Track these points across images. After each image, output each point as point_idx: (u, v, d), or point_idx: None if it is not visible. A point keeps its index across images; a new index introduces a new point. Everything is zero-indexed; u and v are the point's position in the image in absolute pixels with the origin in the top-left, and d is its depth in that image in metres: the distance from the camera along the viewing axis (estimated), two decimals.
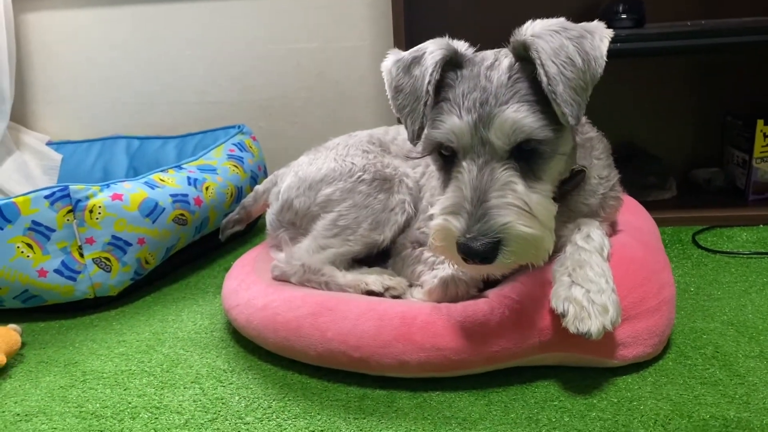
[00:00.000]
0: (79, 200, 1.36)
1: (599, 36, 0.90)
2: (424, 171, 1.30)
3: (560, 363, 1.02)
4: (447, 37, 0.97)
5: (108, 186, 1.42)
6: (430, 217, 0.93)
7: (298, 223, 1.32)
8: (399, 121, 1.02)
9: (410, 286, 1.18)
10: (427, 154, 0.99)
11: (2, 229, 1.33)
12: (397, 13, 1.77)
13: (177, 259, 1.60)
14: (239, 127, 1.99)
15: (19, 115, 2.31)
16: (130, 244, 1.41)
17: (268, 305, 1.13)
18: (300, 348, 1.06)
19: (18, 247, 1.34)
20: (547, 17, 0.92)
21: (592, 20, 0.93)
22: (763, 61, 1.97)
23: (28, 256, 1.35)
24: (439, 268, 1.12)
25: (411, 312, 1.02)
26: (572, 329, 0.91)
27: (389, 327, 1.01)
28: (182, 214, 1.52)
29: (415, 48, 0.97)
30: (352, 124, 2.08)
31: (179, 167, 1.63)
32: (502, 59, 0.92)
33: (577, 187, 1.06)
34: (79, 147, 2.23)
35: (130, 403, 1.02)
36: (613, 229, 1.17)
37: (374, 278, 1.18)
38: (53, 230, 1.35)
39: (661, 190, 1.93)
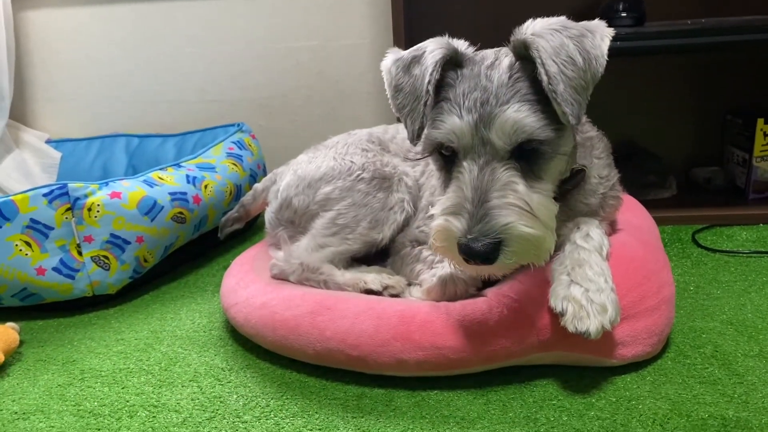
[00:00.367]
0: (77, 198, 1.36)
1: (600, 35, 0.89)
2: (424, 170, 1.29)
3: (559, 362, 1.01)
4: (447, 35, 0.97)
5: (107, 184, 1.42)
6: (431, 218, 0.93)
7: (296, 222, 1.32)
8: (399, 120, 1.02)
9: (409, 284, 1.18)
10: (427, 155, 0.98)
11: (1, 227, 1.33)
12: (397, 12, 1.77)
13: (176, 258, 1.60)
14: (238, 125, 1.98)
15: (19, 113, 2.31)
16: (128, 243, 1.41)
17: (267, 304, 1.13)
18: (298, 346, 1.06)
19: (16, 245, 1.34)
20: (548, 16, 0.91)
21: (593, 19, 0.93)
22: (764, 60, 1.96)
23: (26, 255, 1.34)
24: (438, 266, 1.11)
25: (410, 311, 1.02)
26: (571, 328, 0.91)
27: (388, 326, 1.01)
28: (181, 213, 1.52)
29: (414, 47, 0.96)
30: (352, 123, 2.08)
31: (178, 165, 1.63)
32: (503, 58, 0.92)
33: (577, 187, 1.06)
34: (79, 145, 2.23)
35: (128, 401, 1.02)
36: (612, 228, 1.17)
37: (373, 277, 1.17)
38: (52, 228, 1.35)
39: (661, 189, 1.93)
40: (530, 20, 0.91)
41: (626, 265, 1.04)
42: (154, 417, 0.97)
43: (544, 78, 0.84)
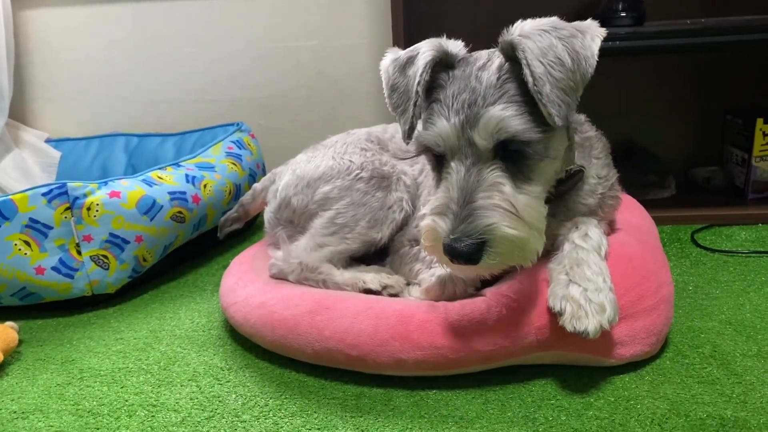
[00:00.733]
0: (76, 198, 1.36)
1: (591, 35, 0.89)
2: (422, 168, 1.30)
3: (557, 362, 1.01)
4: (444, 36, 0.97)
5: (106, 183, 1.42)
6: (422, 217, 0.94)
7: (295, 221, 1.32)
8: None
9: (408, 284, 1.18)
10: (418, 154, 0.99)
11: (0, 226, 1.33)
12: (397, 11, 1.77)
13: (175, 257, 1.60)
14: (238, 124, 1.98)
15: (18, 113, 2.31)
16: (127, 242, 1.41)
17: (266, 303, 1.13)
18: (297, 346, 1.06)
19: (15, 244, 1.34)
20: (548, 16, 0.91)
21: (593, 18, 0.93)
22: (763, 60, 1.96)
23: (25, 254, 1.34)
24: (437, 266, 1.11)
25: (408, 310, 1.02)
26: (569, 328, 0.91)
27: (386, 325, 1.01)
28: (180, 212, 1.52)
29: (411, 47, 0.97)
30: (352, 122, 2.08)
31: (177, 165, 1.63)
32: (495, 59, 0.92)
33: (575, 187, 1.06)
34: (78, 144, 2.23)
35: (126, 400, 1.02)
36: (611, 228, 1.17)
37: (372, 276, 1.17)
38: (51, 228, 1.35)
39: (660, 189, 1.93)
40: (520, 21, 0.91)
41: (625, 264, 1.04)
42: (152, 416, 0.97)
43: (529, 79, 0.84)
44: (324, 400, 0.99)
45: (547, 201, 1.01)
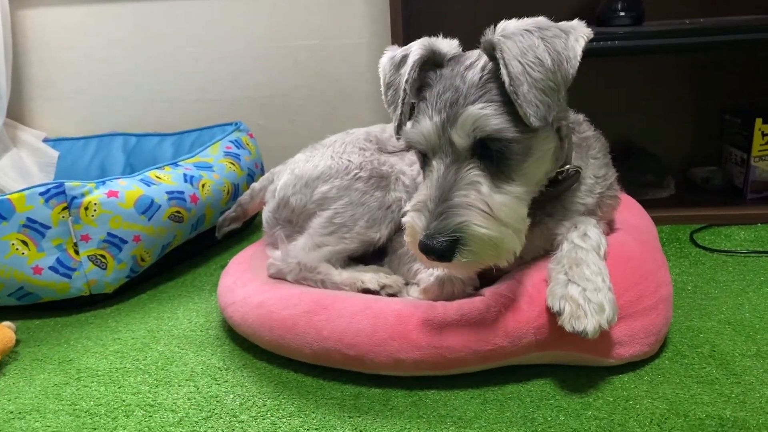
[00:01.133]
0: (74, 197, 1.35)
1: (575, 36, 0.89)
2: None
3: (556, 362, 1.01)
4: (441, 35, 0.98)
5: (104, 183, 1.41)
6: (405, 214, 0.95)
7: (294, 221, 1.32)
8: None
9: (406, 284, 1.18)
10: (407, 150, 1.01)
11: None
12: (396, 11, 1.77)
13: (173, 257, 1.60)
14: (236, 124, 1.98)
15: (16, 112, 2.31)
16: (125, 242, 1.41)
17: (264, 303, 1.13)
18: (295, 346, 1.06)
19: (13, 244, 1.33)
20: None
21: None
22: (762, 60, 1.96)
23: (23, 254, 1.34)
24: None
25: (407, 310, 1.02)
26: (568, 328, 0.91)
27: (385, 325, 1.00)
28: (178, 212, 1.51)
29: (406, 46, 0.98)
30: (351, 122, 2.08)
31: (175, 164, 1.63)
32: (481, 59, 0.92)
33: (572, 187, 1.06)
34: (76, 144, 2.23)
35: (124, 400, 1.02)
36: (610, 228, 1.17)
37: (370, 276, 1.17)
38: (48, 227, 1.35)
39: (659, 189, 1.93)
40: (504, 21, 0.91)
41: (624, 264, 1.04)
42: (150, 416, 0.97)
43: (506, 79, 0.85)
44: (322, 400, 0.99)
45: (544, 201, 1.02)
